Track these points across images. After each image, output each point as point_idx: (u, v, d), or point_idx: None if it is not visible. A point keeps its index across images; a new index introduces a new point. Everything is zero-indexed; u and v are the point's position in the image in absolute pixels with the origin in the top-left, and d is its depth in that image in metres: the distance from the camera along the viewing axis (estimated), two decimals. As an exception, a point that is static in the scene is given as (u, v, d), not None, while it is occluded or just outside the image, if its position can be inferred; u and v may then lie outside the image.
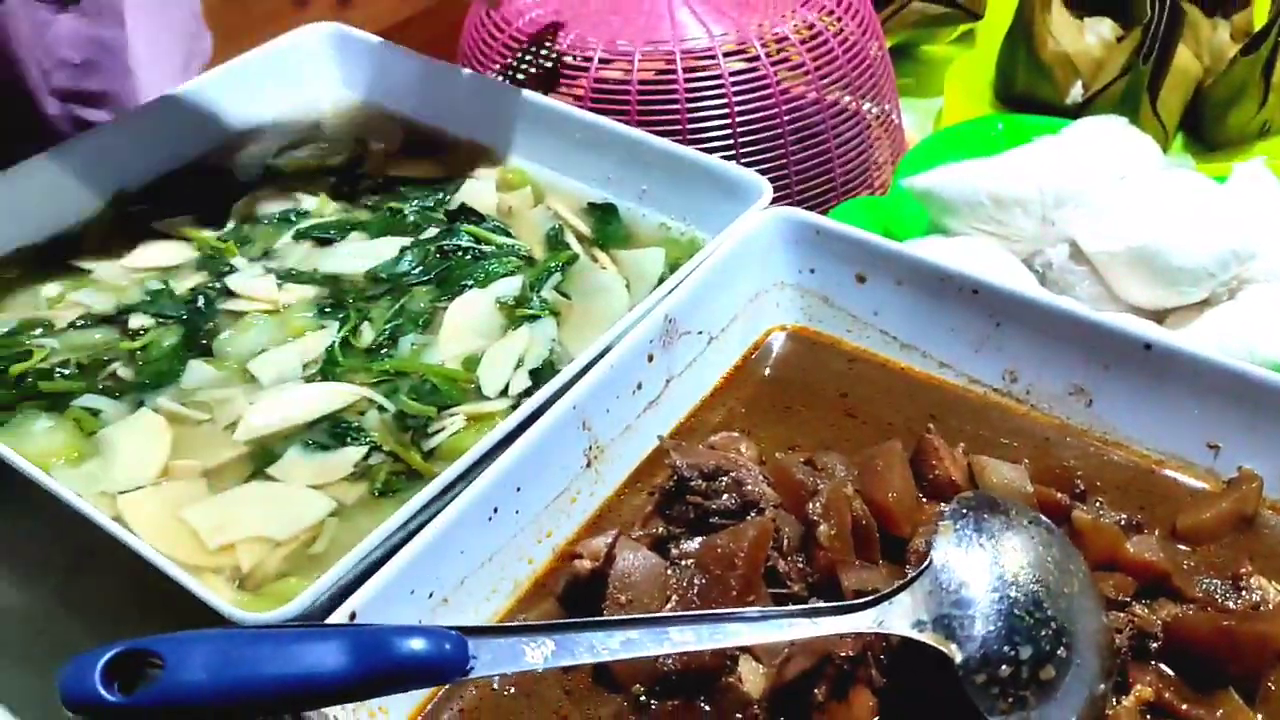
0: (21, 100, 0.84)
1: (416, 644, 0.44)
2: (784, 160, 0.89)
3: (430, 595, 0.53)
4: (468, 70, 0.86)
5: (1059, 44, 1.10)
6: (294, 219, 0.80)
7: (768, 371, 0.70)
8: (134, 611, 0.66)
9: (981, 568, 0.47)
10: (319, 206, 0.81)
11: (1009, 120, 1.00)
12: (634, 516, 0.62)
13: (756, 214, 0.71)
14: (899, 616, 0.47)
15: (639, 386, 0.64)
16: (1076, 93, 1.11)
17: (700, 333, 0.68)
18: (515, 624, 0.46)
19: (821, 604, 0.49)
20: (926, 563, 0.48)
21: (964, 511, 0.50)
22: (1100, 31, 1.14)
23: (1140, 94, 1.00)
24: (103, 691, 0.42)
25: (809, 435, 0.66)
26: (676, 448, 0.59)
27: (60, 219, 0.79)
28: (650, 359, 0.64)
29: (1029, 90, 1.13)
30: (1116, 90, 1.04)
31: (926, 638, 0.46)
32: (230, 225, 0.80)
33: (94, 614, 0.67)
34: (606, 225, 0.79)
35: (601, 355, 0.62)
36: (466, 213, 0.78)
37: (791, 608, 0.47)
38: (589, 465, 0.61)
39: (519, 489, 0.57)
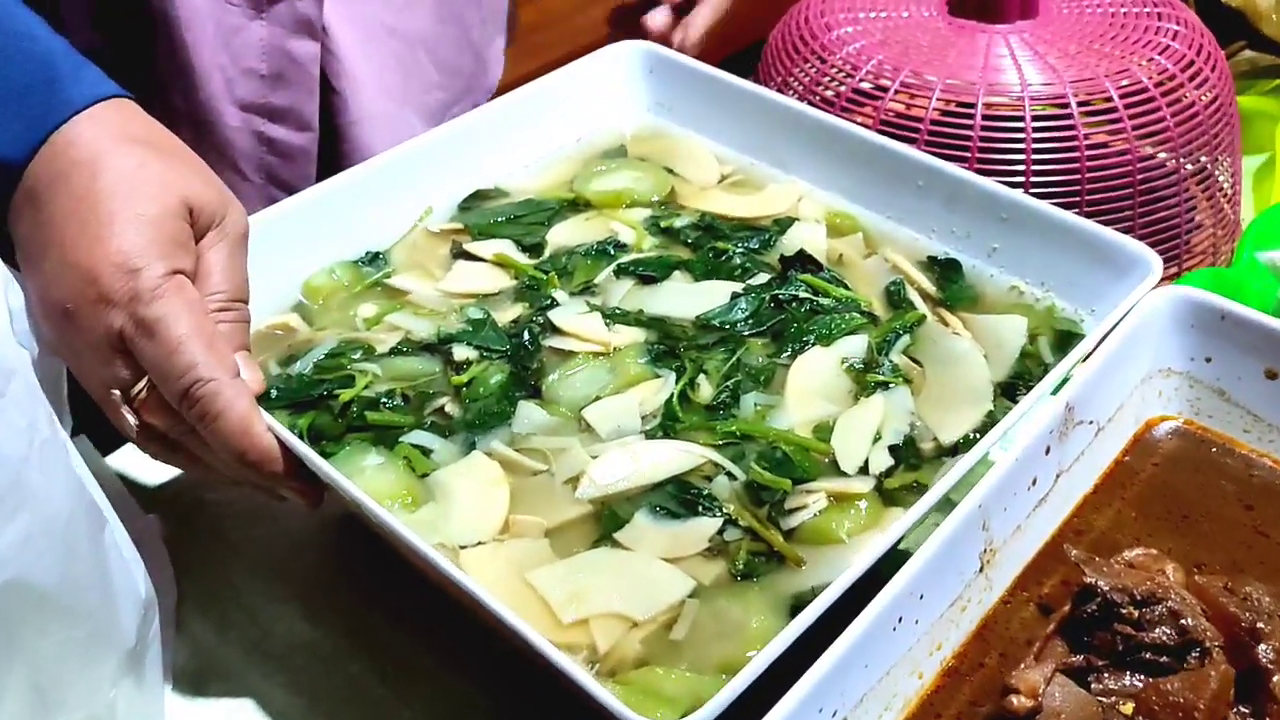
0: (196, 109, 0.79)
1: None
2: (1130, 226, 0.81)
3: (834, 713, 0.47)
4: (793, 100, 0.80)
5: None
6: (612, 252, 0.75)
7: (1155, 470, 0.62)
8: (448, 664, 0.62)
9: None
10: (636, 240, 0.76)
11: (1367, 190, 0.90)
12: (1023, 631, 0.55)
13: (1147, 292, 0.63)
14: None
15: (1034, 482, 0.57)
16: None
17: (1091, 422, 0.60)
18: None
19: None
20: None
21: None
22: None
23: None
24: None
25: (1216, 552, 0.58)
26: (1090, 563, 0.52)
27: (373, 236, 0.76)
28: (1047, 451, 0.57)
29: (1372, 157, 1.02)
30: None
31: None
32: (546, 254, 0.75)
33: (395, 662, 0.63)
34: (951, 283, 0.72)
35: (985, 445, 0.55)
36: (802, 260, 0.72)
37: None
38: (981, 570, 0.54)
39: (922, 596, 0.50)
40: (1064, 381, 0.59)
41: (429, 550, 0.52)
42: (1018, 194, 0.71)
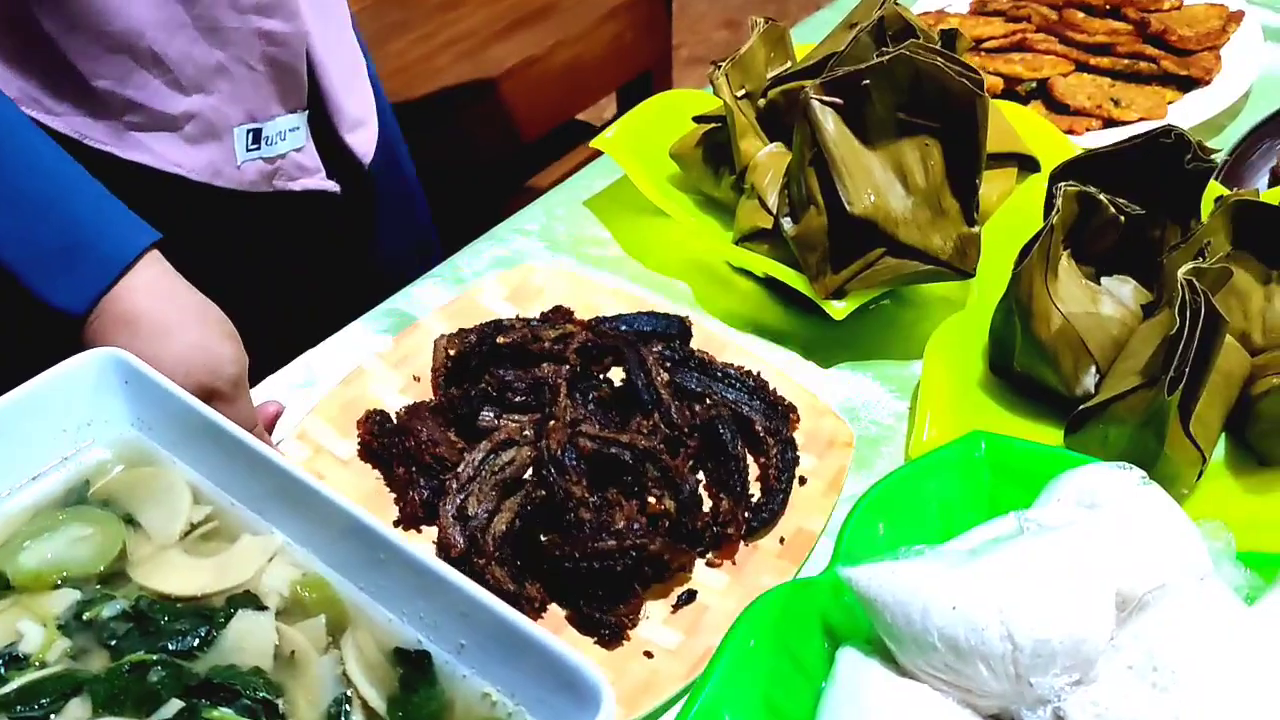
0: (208, 17, 0.91)
1: None
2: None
3: None
4: (263, 447, 0.66)
5: (1067, 316, 0.88)
6: (2, 673, 0.60)
7: None
8: None
9: None
10: (42, 646, 0.61)
11: (993, 442, 0.79)
12: None
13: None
14: None
15: None
16: (1089, 382, 0.90)
17: None
18: None
19: None
20: None
21: None
22: (1121, 296, 0.92)
23: (1167, 420, 0.78)
24: None
25: None
26: None
27: None
28: None
29: (1028, 370, 0.92)
30: (1138, 402, 0.82)
31: None
32: (-84, 684, 0.60)
33: None
34: (412, 694, 0.58)
35: None
36: (211, 689, 0.58)
37: None
38: None
39: None
40: None
41: None
42: (471, 586, 0.58)
